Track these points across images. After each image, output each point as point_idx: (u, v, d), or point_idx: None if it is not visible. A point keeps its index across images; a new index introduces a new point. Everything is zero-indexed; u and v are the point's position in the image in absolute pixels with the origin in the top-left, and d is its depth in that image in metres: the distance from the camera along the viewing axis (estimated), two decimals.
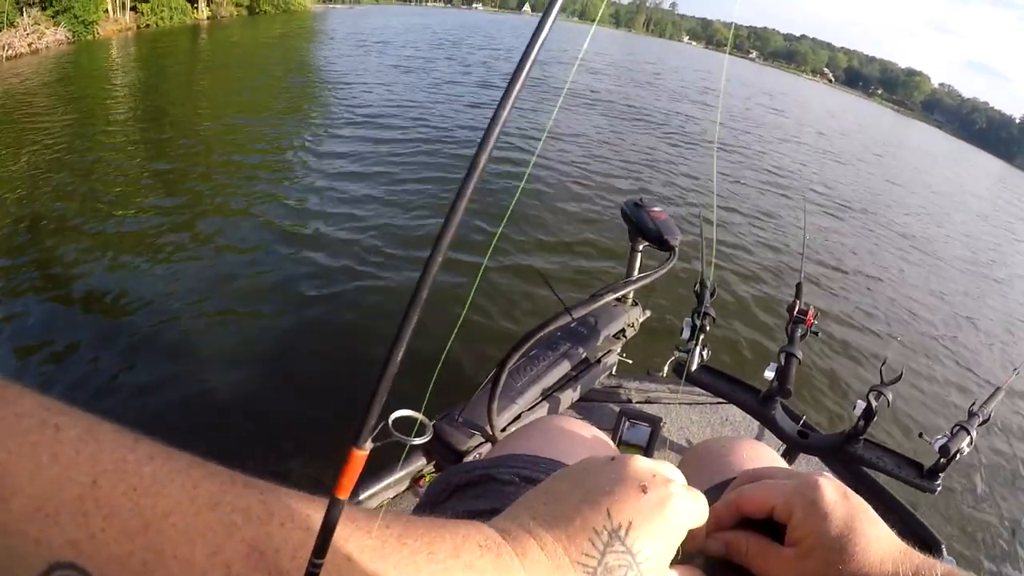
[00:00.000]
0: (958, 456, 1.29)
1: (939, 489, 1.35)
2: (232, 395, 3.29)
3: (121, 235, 5.04)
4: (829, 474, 0.48)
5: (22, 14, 18.15)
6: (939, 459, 1.32)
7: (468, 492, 0.67)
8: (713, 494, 0.70)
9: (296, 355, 3.70)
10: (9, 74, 14.63)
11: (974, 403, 1.36)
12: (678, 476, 0.45)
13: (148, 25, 25.73)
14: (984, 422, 1.33)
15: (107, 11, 22.94)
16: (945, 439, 1.30)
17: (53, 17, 19.51)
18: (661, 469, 0.44)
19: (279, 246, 5.07)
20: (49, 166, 6.85)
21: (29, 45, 17.80)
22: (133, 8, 25.27)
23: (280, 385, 3.40)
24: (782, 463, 0.80)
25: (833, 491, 0.48)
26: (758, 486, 0.51)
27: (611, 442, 0.83)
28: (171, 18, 27.09)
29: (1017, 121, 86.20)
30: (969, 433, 1.29)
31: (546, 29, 0.23)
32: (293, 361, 3.63)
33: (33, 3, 18.82)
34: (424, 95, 13.42)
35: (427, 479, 1.56)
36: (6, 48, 16.72)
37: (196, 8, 29.95)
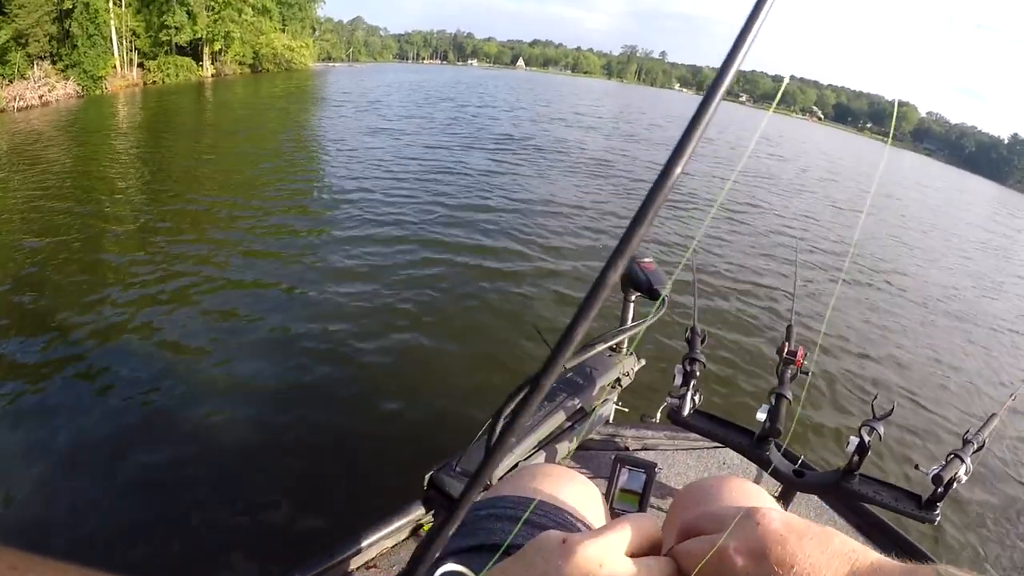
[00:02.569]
0: (954, 484, 1.30)
1: (938, 519, 1.35)
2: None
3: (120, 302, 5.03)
4: (765, 509, 0.43)
5: (33, 67, 18.86)
6: (935, 489, 1.32)
7: (456, 532, 0.68)
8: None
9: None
10: (21, 124, 15.15)
11: (968, 431, 1.37)
12: (627, 565, 0.42)
13: (155, 81, 26.71)
14: (979, 449, 1.34)
15: (115, 67, 23.84)
16: (939, 468, 1.30)
17: (63, 71, 20.29)
18: (609, 557, 0.42)
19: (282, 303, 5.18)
20: (54, 212, 7.12)
21: (40, 97, 18.47)
22: (140, 65, 26.28)
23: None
24: (769, 499, 0.79)
25: (774, 522, 0.42)
26: (695, 543, 0.46)
27: (593, 486, 0.85)
28: (176, 75, 28.15)
29: (1005, 142, 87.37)
30: (964, 461, 1.30)
31: (712, 108, 0.23)
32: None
33: (44, 57, 19.58)
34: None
35: (426, 528, 1.58)
36: (17, 99, 17.33)
37: (201, 66, 31.11)
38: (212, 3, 29.95)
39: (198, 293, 5.12)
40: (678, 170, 0.23)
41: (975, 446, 1.33)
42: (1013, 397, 1.54)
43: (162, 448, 3.21)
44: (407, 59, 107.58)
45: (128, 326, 4.52)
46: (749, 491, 0.79)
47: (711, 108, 0.23)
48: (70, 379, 3.81)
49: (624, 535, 0.42)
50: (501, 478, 1.33)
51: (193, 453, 3.21)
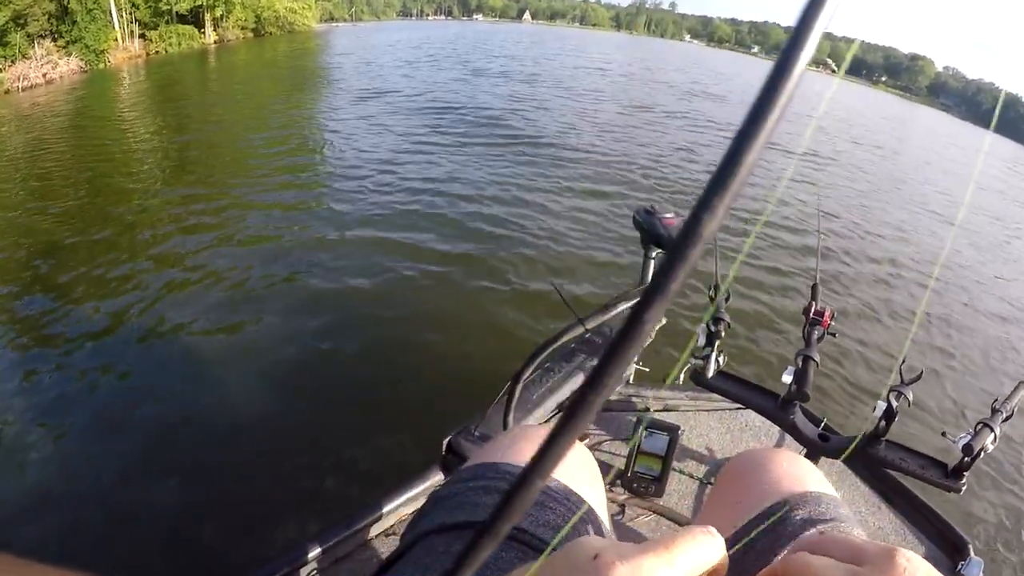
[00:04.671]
0: (982, 454, 1.27)
1: (964, 488, 1.33)
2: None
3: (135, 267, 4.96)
4: (910, 554, 0.40)
5: (34, 46, 18.46)
6: (963, 458, 1.29)
7: (444, 504, 0.67)
8: (756, 524, 0.68)
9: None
10: (26, 103, 14.92)
11: (996, 399, 1.33)
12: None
13: (157, 52, 26.13)
14: (1008, 418, 1.31)
15: (116, 40, 23.28)
16: (968, 437, 1.27)
17: (64, 48, 19.85)
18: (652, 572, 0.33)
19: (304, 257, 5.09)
20: (68, 194, 6.92)
21: (44, 75, 18.10)
22: (142, 36, 25.66)
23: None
24: (822, 480, 0.76)
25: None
26: (822, 563, 0.41)
27: (587, 450, 0.82)
28: (179, 44, 27.50)
29: (1023, 99, 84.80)
30: (993, 430, 1.27)
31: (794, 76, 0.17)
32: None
33: (45, 35, 19.15)
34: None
35: None
36: (21, 79, 17.01)
37: (203, 33, 30.37)
38: None
39: (205, 259, 5.02)
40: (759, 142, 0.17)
41: (1004, 415, 1.30)
42: None
43: (176, 415, 3.21)
44: (411, 16, 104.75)
45: (128, 290, 4.49)
46: (804, 469, 0.77)
47: (790, 84, 0.17)
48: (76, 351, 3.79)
49: (677, 559, 0.33)
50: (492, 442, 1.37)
51: (205, 419, 3.19)
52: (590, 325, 1.29)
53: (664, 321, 1.91)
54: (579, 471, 0.73)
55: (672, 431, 1.43)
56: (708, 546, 0.34)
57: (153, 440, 3.02)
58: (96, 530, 2.54)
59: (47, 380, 3.47)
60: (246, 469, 2.84)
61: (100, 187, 7.01)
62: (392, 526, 1.50)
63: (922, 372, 1.32)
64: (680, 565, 0.32)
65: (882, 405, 1.32)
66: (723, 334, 1.54)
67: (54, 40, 19.59)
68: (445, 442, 1.42)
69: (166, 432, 3.08)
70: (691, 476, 1.73)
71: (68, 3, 19.54)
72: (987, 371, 4.82)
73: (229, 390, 3.45)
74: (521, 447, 0.73)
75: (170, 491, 2.70)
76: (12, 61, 17.37)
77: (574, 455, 0.74)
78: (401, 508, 1.51)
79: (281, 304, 4.35)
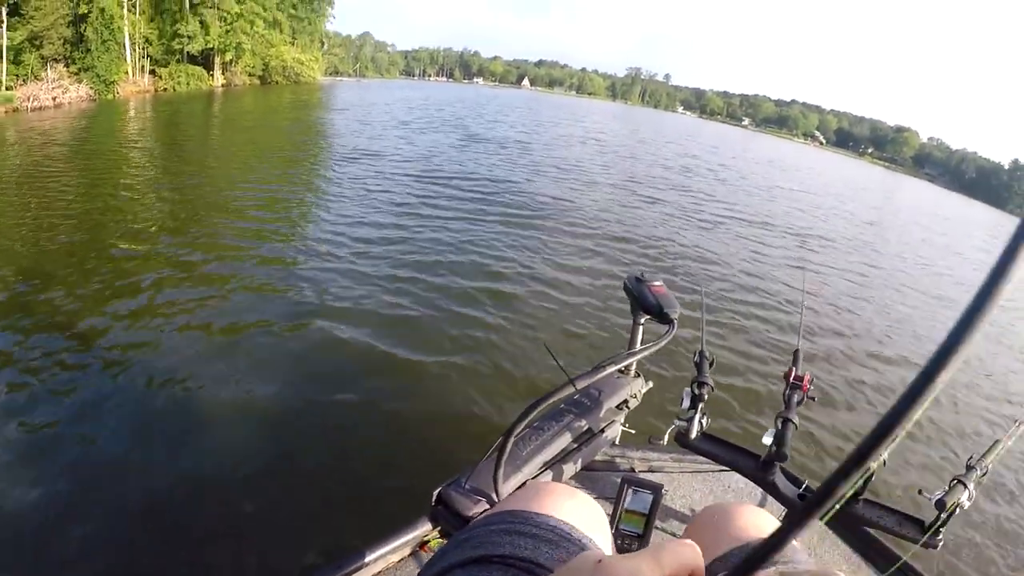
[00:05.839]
0: (957, 510, 1.31)
1: (940, 544, 1.37)
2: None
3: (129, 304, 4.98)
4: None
5: (47, 69, 19.14)
6: (938, 514, 1.33)
7: (469, 544, 0.70)
8: (717, 567, 0.76)
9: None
10: (34, 123, 15.41)
11: (972, 456, 1.39)
12: None
13: (166, 89, 27.08)
14: (983, 475, 1.35)
15: (127, 73, 24.18)
16: (942, 494, 1.32)
17: (76, 74, 20.59)
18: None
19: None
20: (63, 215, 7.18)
21: (54, 99, 18.76)
22: (152, 72, 26.65)
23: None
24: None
25: None
26: None
27: (598, 505, 0.87)
28: (188, 84, 28.54)
29: (1006, 167, 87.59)
30: (967, 487, 1.31)
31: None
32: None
33: (58, 59, 19.89)
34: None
35: (432, 544, 1.58)
36: (31, 99, 17.60)
37: (212, 76, 31.52)
38: (225, 14, 30.44)
39: (193, 304, 5.05)
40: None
41: (978, 471, 1.35)
42: (1019, 424, 1.54)
43: (164, 468, 3.16)
44: (413, 76, 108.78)
45: (119, 330, 4.49)
46: (762, 520, 0.84)
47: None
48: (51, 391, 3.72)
49: (664, 560, 0.41)
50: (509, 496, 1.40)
51: (194, 466, 3.19)
52: (580, 386, 1.32)
53: (651, 385, 2.02)
54: (592, 521, 0.79)
55: (656, 490, 1.44)
56: (688, 549, 0.42)
57: (138, 508, 2.93)
58: None
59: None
60: (232, 518, 2.87)
61: (88, 225, 7.01)
62: (378, 573, 1.53)
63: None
64: (667, 565, 0.40)
65: None
66: (706, 397, 1.63)
67: (67, 65, 20.38)
68: (435, 493, 1.43)
69: (150, 496, 3.00)
70: (674, 534, 1.77)
71: (85, 31, 20.40)
72: (962, 433, 4.95)
73: (221, 442, 3.45)
74: (542, 499, 0.78)
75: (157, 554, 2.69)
76: (24, 81, 18.02)
77: (588, 506, 0.82)
78: (388, 556, 1.54)
79: (271, 358, 4.38)
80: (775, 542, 0.25)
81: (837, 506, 1.34)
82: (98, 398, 3.71)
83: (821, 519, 1.48)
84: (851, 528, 1.76)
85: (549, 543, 0.67)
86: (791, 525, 0.24)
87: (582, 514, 0.78)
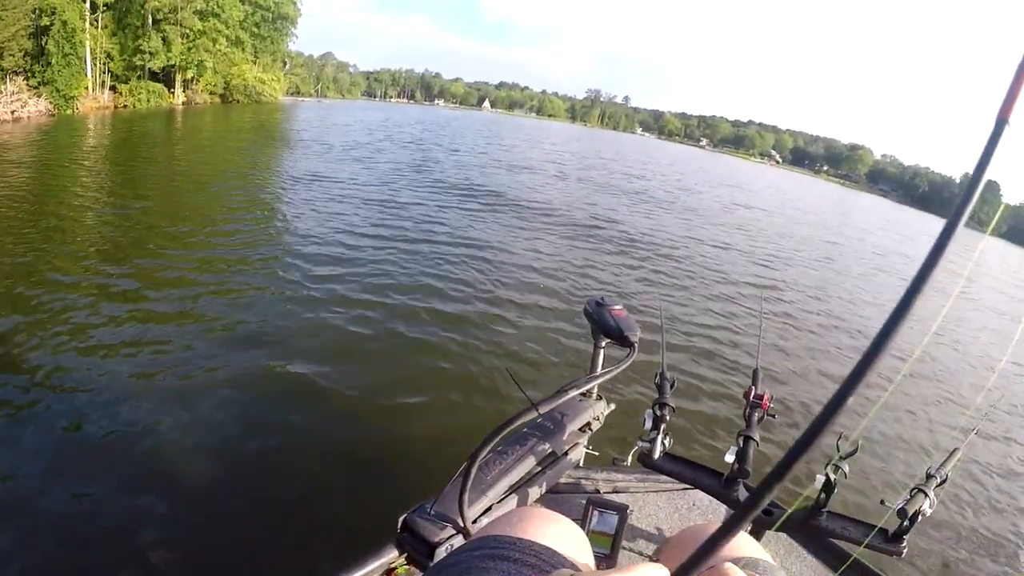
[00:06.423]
0: (919, 518, 1.37)
1: (904, 551, 1.42)
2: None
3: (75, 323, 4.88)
4: None
5: (6, 81, 18.73)
6: (901, 522, 1.39)
7: (451, 570, 0.71)
8: None
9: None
10: None
11: (930, 465, 1.44)
12: None
13: (126, 105, 26.73)
14: (942, 483, 1.40)
15: (88, 88, 23.79)
16: (903, 503, 1.37)
17: (35, 88, 20.21)
18: None
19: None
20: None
21: (12, 112, 18.40)
22: (112, 88, 26.26)
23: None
24: (757, 547, 0.90)
25: None
26: None
27: (579, 528, 0.90)
28: (148, 100, 28.23)
29: (957, 180, 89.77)
30: (927, 495, 1.36)
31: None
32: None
33: (18, 72, 19.50)
34: None
35: (400, 571, 1.56)
36: None
37: (172, 93, 31.18)
38: (188, 31, 30.30)
39: (143, 329, 4.92)
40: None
41: (938, 480, 1.40)
42: (976, 432, 1.64)
43: (119, 499, 3.08)
44: (375, 96, 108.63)
45: (62, 349, 4.39)
46: (738, 540, 0.88)
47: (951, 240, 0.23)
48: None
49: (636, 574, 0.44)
50: (476, 522, 1.44)
51: (152, 503, 3.09)
52: (543, 410, 1.33)
53: (612, 407, 2.05)
54: (574, 544, 0.82)
55: (621, 510, 1.48)
56: (658, 571, 0.44)
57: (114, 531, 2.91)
58: None
59: None
60: (202, 544, 2.89)
61: (26, 247, 6.73)
62: None
63: (858, 447, 1.42)
64: None
65: (821, 478, 1.42)
66: (668, 418, 1.66)
67: (27, 79, 19.97)
68: (400, 520, 1.42)
69: (122, 522, 2.96)
70: (640, 554, 1.77)
71: (46, 43, 20.09)
72: (922, 446, 5.16)
73: (183, 472, 3.37)
74: (525, 524, 0.79)
75: None
76: None
77: (570, 530, 0.84)
78: None
79: (229, 379, 4.35)
80: (711, 544, 0.27)
81: (787, 514, 1.46)
82: (12, 436, 3.46)
83: (776, 528, 1.57)
84: (817, 540, 1.82)
85: (532, 567, 0.69)
86: (725, 529, 0.27)
87: (565, 538, 0.80)
